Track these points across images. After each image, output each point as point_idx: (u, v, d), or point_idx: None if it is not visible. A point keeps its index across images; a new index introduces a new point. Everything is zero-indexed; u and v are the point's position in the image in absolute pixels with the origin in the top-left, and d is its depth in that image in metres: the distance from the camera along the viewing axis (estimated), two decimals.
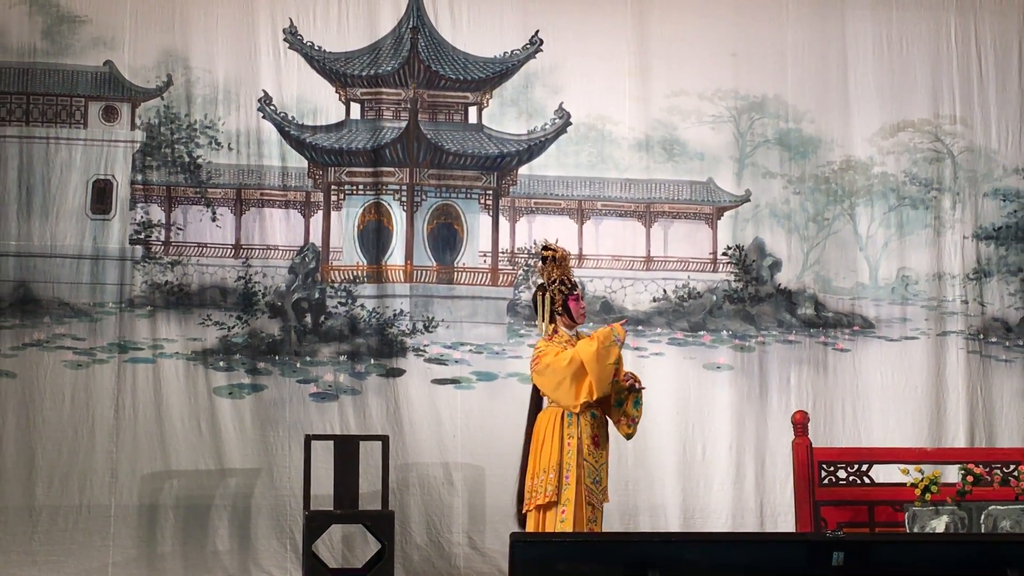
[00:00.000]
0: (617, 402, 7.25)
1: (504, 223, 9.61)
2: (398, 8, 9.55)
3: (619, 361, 7.14)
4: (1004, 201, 9.99)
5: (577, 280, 7.48)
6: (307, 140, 9.44)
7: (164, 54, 9.30)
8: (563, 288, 7.34)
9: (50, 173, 9.16)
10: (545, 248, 7.46)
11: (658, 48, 9.74)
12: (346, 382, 9.27)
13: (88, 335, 9.07)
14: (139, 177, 9.26)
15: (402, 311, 9.40)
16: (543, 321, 7.36)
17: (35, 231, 9.10)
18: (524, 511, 7.23)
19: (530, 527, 7.17)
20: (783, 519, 9.22)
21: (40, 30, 9.22)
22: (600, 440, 7.25)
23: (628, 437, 7.34)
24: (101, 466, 8.91)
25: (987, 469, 7.90)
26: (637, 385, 7.22)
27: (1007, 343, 9.88)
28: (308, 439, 8.73)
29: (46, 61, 9.22)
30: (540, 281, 7.46)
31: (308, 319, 9.34)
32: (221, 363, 9.17)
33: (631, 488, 9.25)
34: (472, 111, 9.65)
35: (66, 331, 9.07)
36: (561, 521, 7.08)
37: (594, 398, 7.11)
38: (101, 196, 9.23)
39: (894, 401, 9.65)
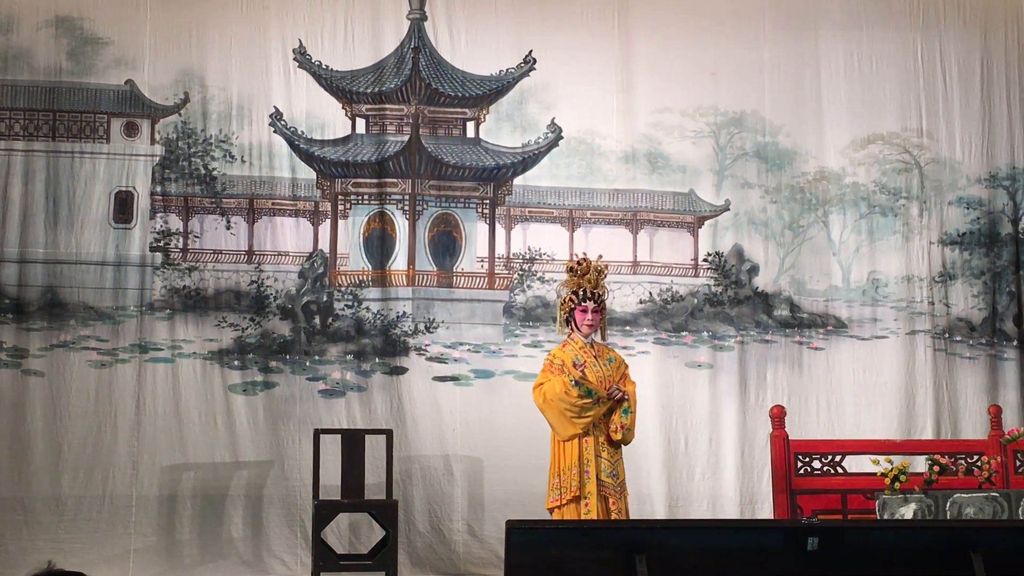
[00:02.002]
0: (607, 411, 7.25)
1: (500, 230, 9.60)
2: (400, 30, 9.55)
3: (598, 401, 7.15)
4: (968, 209, 9.99)
5: (595, 292, 7.39)
6: (315, 153, 9.43)
7: (181, 73, 9.29)
8: (572, 300, 7.36)
9: (75, 185, 9.15)
10: (579, 262, 7.48)
11: (643, 67, 9.74)
12: (352, 380, 9.26)
13: (111, 336, 9.05)
14: (158, 188, 9.24)
15: (405, 313, 9.39)
16: (558, 326, 7.47)
17: (61, 240, 9.09)
18: (549, 507, 7.23)
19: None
20: (760, 507, 9.22)
21: (65, 51, 9.20)
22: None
23: (623, 443, 7.32)
24: (123, 459, 8.89)
25: (952, 459, 7.89)
26: (618, 395, 7.20)
27: (971, 342, 9.88)
28: (317, 433, 8.71)
29: (71, 80, 9.21)
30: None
31: (317, 321, 9.32)
32: (235, 362, 9.15)
33: None
34: (470, 126, 9.64)
35: (90, 333, 9.05)
36: (586, 512, 7.08)
37: (580, 431, 7.15)
38: (123, 206, 9.22)
39: (865, 396, 9.64)
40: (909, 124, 9.98)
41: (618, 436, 7.24)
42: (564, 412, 7.17)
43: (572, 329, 7.42)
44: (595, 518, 7.03)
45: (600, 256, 7.67)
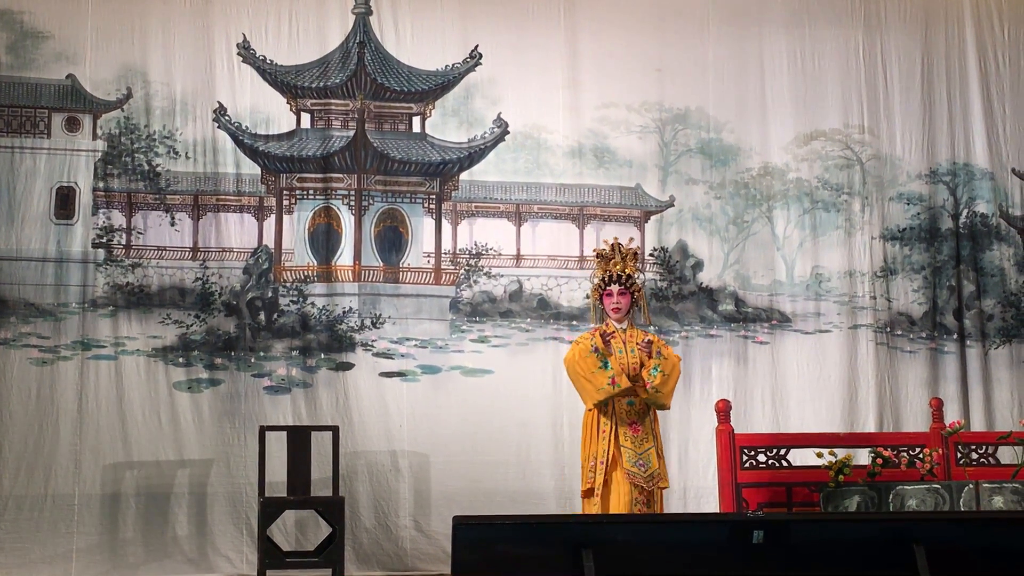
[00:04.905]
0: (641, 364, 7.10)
1: (446, 226, 9.55)
2: (345, 24, 9.47)
3: (611, 364, 7.01)
4: (908, 204, 10.05)
5: (620, 275, 7.25)
6: (260, 148, 9.32)
7: (124, 68, 9.16)
8: (600, 286, 7.29)
9: (15, 181, 9.00)
10: (606, 249, 7.38)
11: (589, 63, 9.72)
12: (298, 376, 9.17)
13: (53, 334, 8.91)
14: (101, 184, 9.11)
15: (351, 308, 9.31)
16: (592, 317, 7.39)
17: (1, 236, 8.93)
18: (583, 496, 7.16)
19: (585, 510, 7.06)
20: (706, 500, 9.22)
21: (5, 45, 9.05)
22: (640, 424, 7.09)
23: (655, 404, 7.11)
24: (65, 457, 8.75)
25: (895, 452, 7.93)
26: (650, 349, 7.04)
27: (911, 335, 9.94)
28: (262, 430, 8.63)
29: (11, 74, 9.06)
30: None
31: (262, 317, 9.22)
32: (180, 359, 9.04)
33: (567, 473, 9.20)
34: (416, 121, 9.58)
35: (32, 330, 8.90)
36: (594, 506, 6.98)
37: (590, 407, 7.09)
38: (64, 202, 9.07)
39: (809, 390, 9.67)
40: (851, 121, 10.03)
41: (644, 394, 7.06)
42: (580, 376, 7.09)
43: (607, 316, 7.29)
44: (603, 512, 6.88)
45: (632, 239, 7.61)
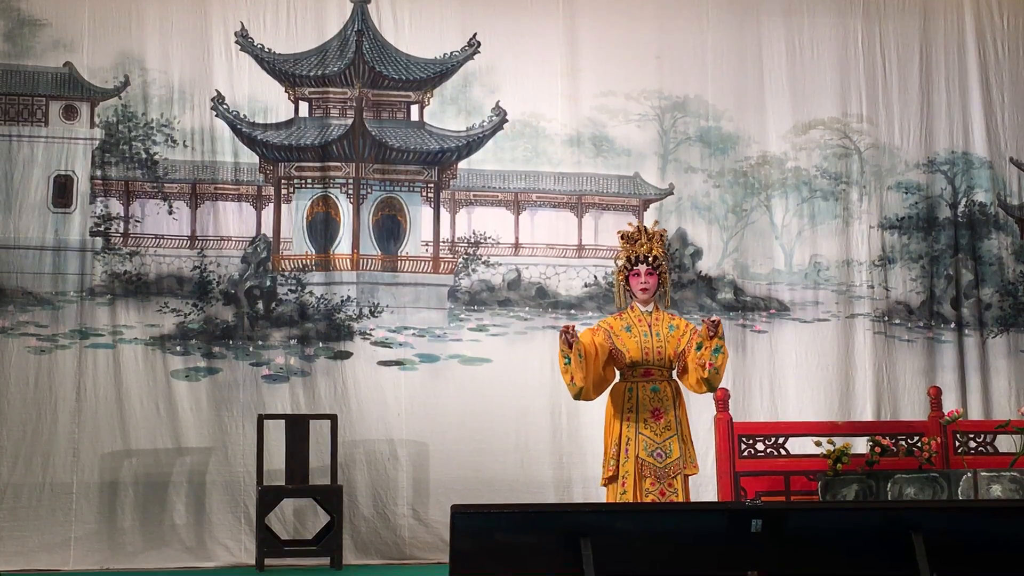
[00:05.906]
0: (697, 345, 6.76)
1: (445, 214, 9.53)
2: (343, 12, 9.44)
3: (571, 361, 6.74)
4: (906, 193, 10.04)
5: (647, 256, 6.93)
6: (258, 137, 9.30)
7: (121, 56, 9.14)
8: (626, 267, 7.00)
9: (13, 169, 8.99)
10: (631, 231, 7.11)
11: (588, 51, 9.70)
12: (296, 364, 9.16)
13: (51, 322, 8.91)
14: (98, 173, 9.09)
15: (349, 297, 9.30)
16: (617, 300, 7.10)
17: None
18: (601, 484, 6.94)
19: (608, 499, 6.83)
20: (704, 489, 9.16)
21: (2, 33, 9.03)
22: (664, 412, 6.84)
23: (708, 384, 6.76)
24: (63, 446, 8.75)
25: (893, 440, 7.93)
26: (717, 331, 6.66)
27: (909, 324, 9.94)
28: (261, 418, 8.63)
29: (8, 63, 9.04)
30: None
31: (260, 305, 9.21)
32: (178, 348, 9.03)
33: (565, 461, 9.22)
34: (414, 109, 9.56)
35: (30, 319, 8.89)
36: (622, 493, 6.73)
37: (572, 395, 6.86)
38: (62, 191, 9.06)
39: (807, 378, 9.66)
40: (849, 110, 10.01)
41: (704, 374, 6.72)
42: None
43: (632, 299, 6.97)
44: (631, 500, 6.66)
45: (656, 222, 7.50)
